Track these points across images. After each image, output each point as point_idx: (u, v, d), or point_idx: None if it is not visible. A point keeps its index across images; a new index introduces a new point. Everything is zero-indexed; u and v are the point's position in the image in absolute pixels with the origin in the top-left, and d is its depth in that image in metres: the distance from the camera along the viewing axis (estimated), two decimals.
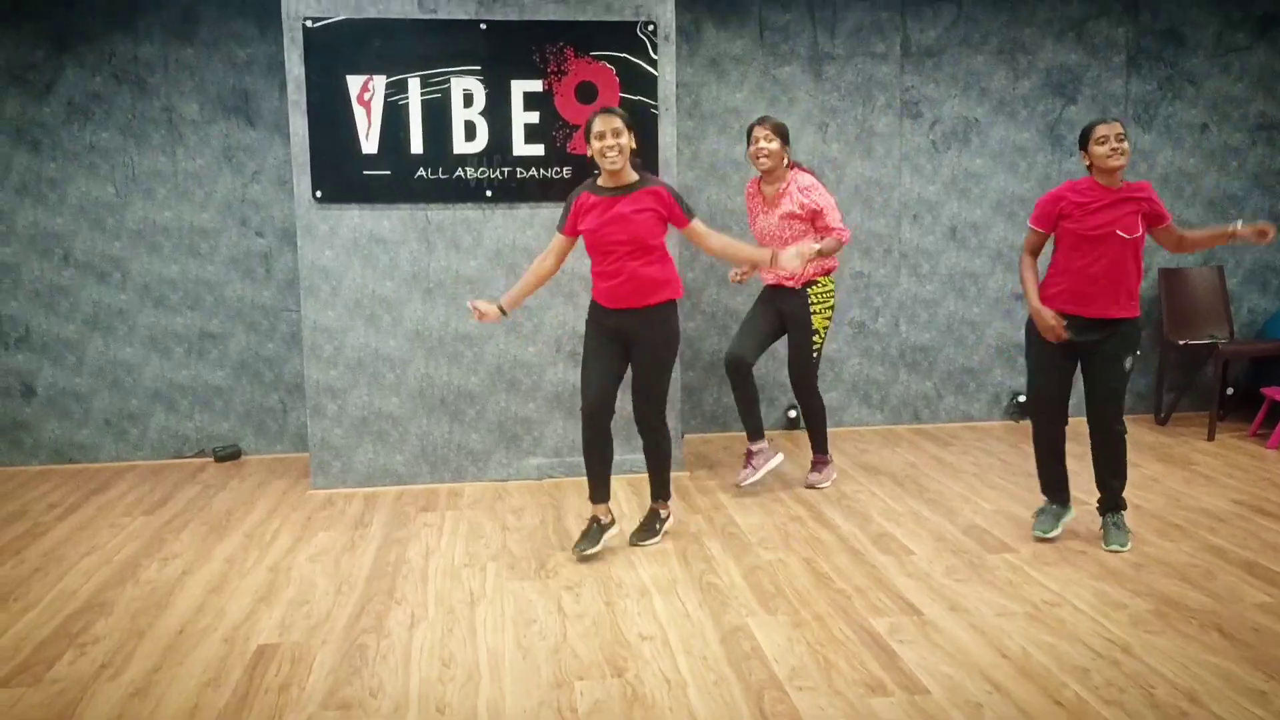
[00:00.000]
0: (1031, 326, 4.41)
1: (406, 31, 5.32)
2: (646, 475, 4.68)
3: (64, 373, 6.07)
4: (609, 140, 4.16)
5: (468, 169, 5.44)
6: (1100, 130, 4.27)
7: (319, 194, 5.37)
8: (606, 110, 4.23)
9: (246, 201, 6.11)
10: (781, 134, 5.09)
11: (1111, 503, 4.47)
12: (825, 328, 5.26)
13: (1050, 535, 4.50)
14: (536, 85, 5.42)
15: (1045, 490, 4.59)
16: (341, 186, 5.38)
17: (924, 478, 5.54)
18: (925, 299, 6.68)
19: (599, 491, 4.46)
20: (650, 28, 5.44)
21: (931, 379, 6.75)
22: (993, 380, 6.80)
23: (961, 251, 6.67)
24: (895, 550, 4.44)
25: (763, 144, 5.05)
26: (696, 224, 4.36)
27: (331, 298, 5.42)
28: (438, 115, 5.38)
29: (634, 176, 4.30)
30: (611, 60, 5.44)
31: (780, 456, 5.40)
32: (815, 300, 5.19)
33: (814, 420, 5.38)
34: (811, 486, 5.38)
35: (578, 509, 5.11)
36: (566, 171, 5.47)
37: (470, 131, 5.42)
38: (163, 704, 3.18)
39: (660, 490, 4.64)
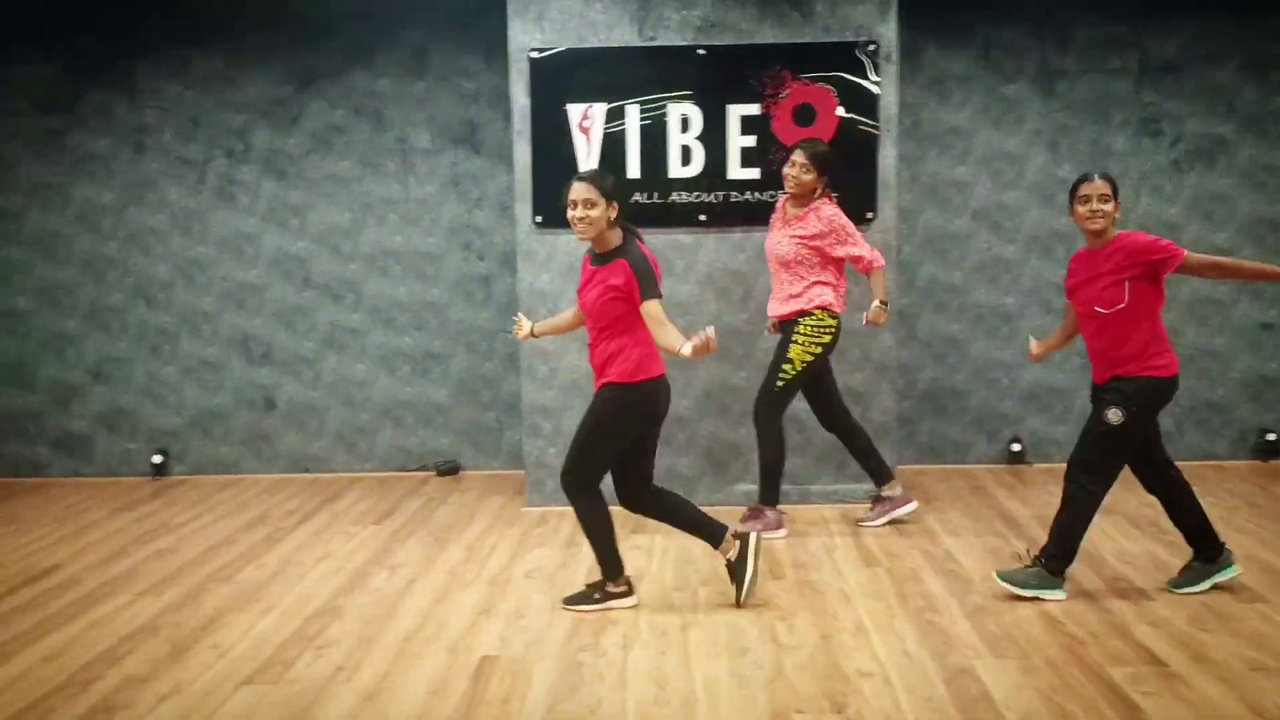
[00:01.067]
0: None
1: (626, 60, 5.42)
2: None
3: (302, 387, 6.46)
4: (579, 211, 3.93)
5: (682, 193, 5.47)
6: (1083, 189, 4.01)
7: (539, 219, 5.51)
8: (582, 178, 3.98)
9: (470, 227, 6.35)
10: (819, 164, 4.94)
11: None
12: (804, 363, 4.96)
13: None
14: (753, 109, 5.40)
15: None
16: (560, 212, 5.41)
17: (1164, 519, 5.14)
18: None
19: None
20: (871, 48, 5.34)
21: (1171, 414, 6.30)
22: (1238, 416, 6.30)
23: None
24: (1132, 595, 4.14)
25: (798, 173, 4.91)
26: (649, 307, 3.87)
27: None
28: (654, 141, 5.45)
29: (614, 243, 4.00)
30: (830, 81, 5.37)
31: (913, 505, 5.19)
32: (802, 333, 4.94)
33: (763, 459, 5.06)
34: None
35: (790, 537, 5.02)
36: (782, 196, 5.41)
37: (686, 156, 5.45)
38: (392, 709, 3.30)
39: (600, 566, 4.18)
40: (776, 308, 5.09)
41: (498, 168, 6.29)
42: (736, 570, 4.12)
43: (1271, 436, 6.21)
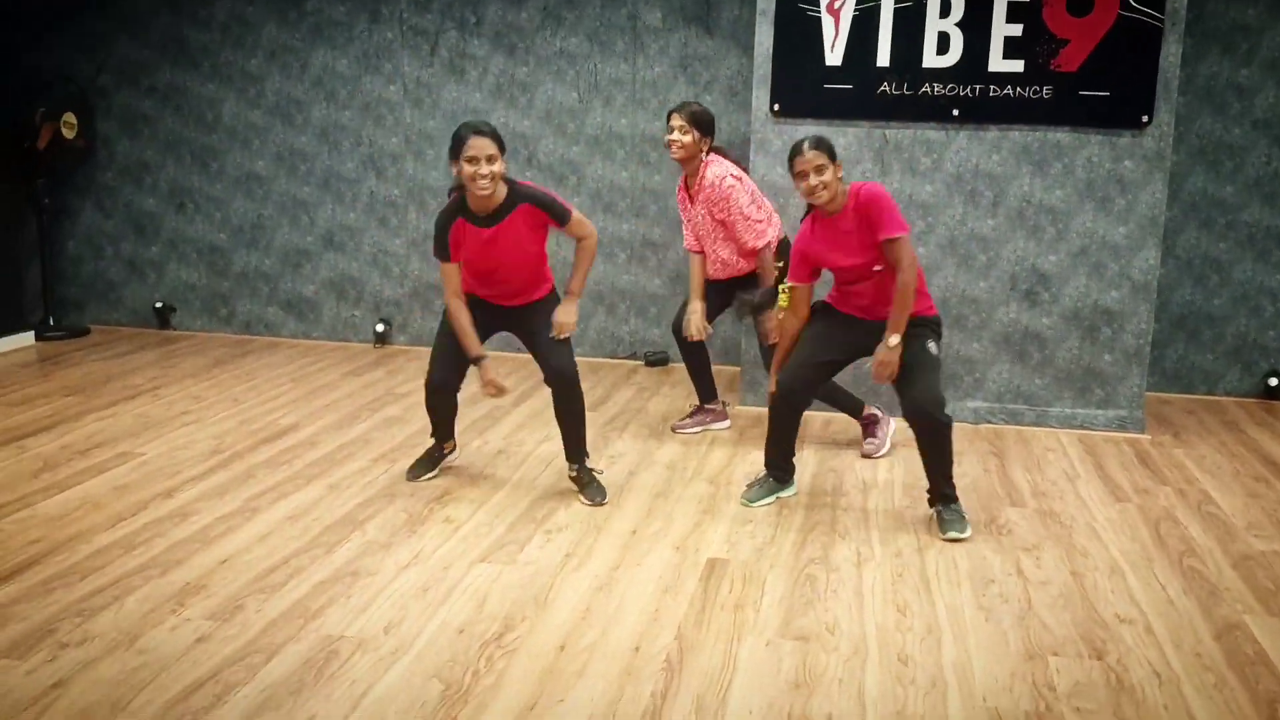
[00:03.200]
0: None
1: None
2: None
3: None
4: (483, 168, 3.72)
5: (935, 85, 5.09)
6: (795, 164, 3.88)
7: (776, 107, 5.24)
8: (479, 130, 3.73)
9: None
10: (699, 124, 4.52)
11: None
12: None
13: None
14: None
15: None
16: (800, 100, 5.22)
17: None
18: None
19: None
20: None
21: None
22: None
23: None
24: None
25: (676, 135, 4.49)
26: (574, 222, 4.02)
27: (780, 214, 5.31)
28: (911, 25, 5.05)
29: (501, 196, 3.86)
30: None
31: (727, 423, 5.11)
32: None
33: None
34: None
35: (1023, 459, 4.74)
36: (1047, 91, 4.97)
37: (943, 44, 5.05)
38: (625, 602, 3.27)
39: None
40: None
41: (730, 50, 6.01)
42: None
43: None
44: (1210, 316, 5.80)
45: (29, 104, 6.38)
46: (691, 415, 5.13)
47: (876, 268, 3.91)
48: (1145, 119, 4.95)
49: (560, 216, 3.98)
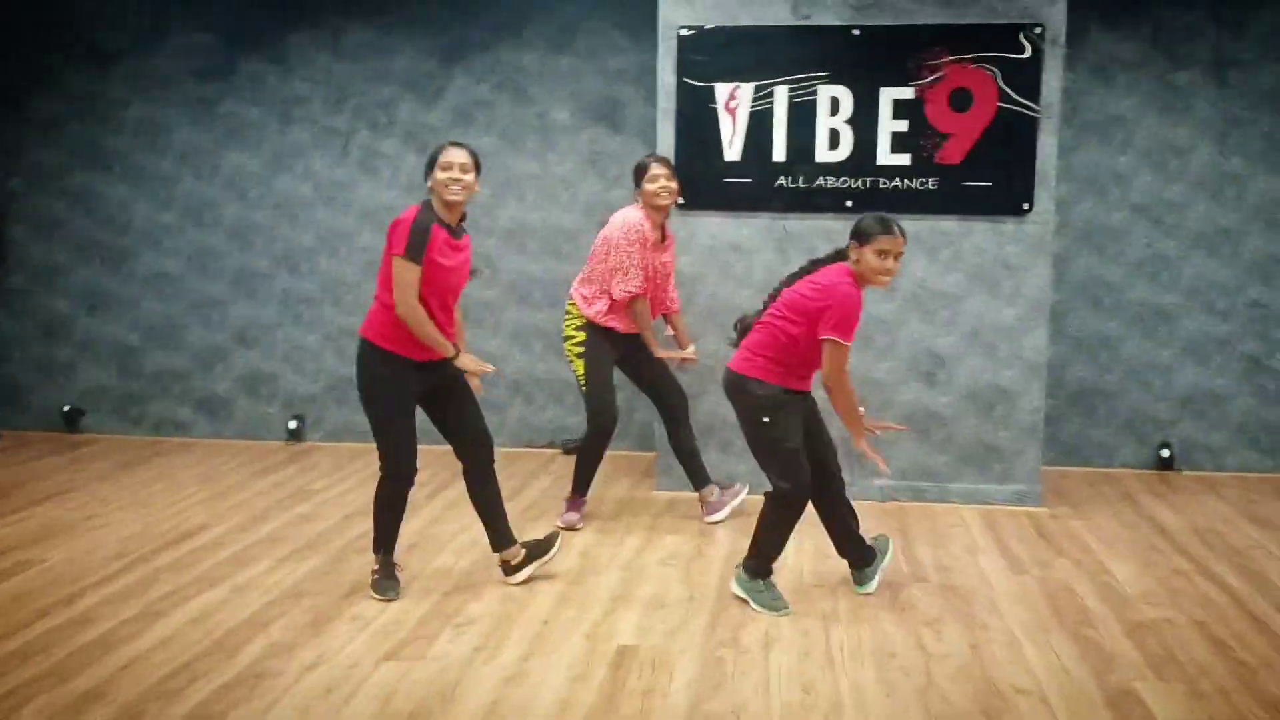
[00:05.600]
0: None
1: (778, 39, 5.27)
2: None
3: None
4: (456, 174, 3.87)
5: (829, 178, 5.32)
6: (884, 242, 3.77)
7: (681, 200, 5.41)
8: (456, 144, 3.96)
9: (607, 205, 6.27)
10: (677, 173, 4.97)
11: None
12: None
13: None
14: (907, 92, 5.21)
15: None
16: (703, 193, 5.41)
17: None
18: None
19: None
20: (1037, 30, 5.09)
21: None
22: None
23: None
24: None
25: (664, 182, 4.79)
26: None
27: (686, 304, 5.46)
28: (803, 123, 5.30)
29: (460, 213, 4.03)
30: (991, 64, 5.14)
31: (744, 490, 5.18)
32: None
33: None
34: (568, 527, 4.94)
35: (926, 535, 4.87)
36: (933, 183, 5.23)
37: (834, 140, 5.29)
38: (535, 694, 3.28)
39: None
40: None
41: (637, 146, 6.21)
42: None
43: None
44: (1103, 392, 6.05)
45: None
46: (710, 503, 5.12)
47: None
48: (1026, 206, 5.21)
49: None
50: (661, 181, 4.84)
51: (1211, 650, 3.63)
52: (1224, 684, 3.37)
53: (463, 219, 4.06)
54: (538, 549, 4.26)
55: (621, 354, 5.05)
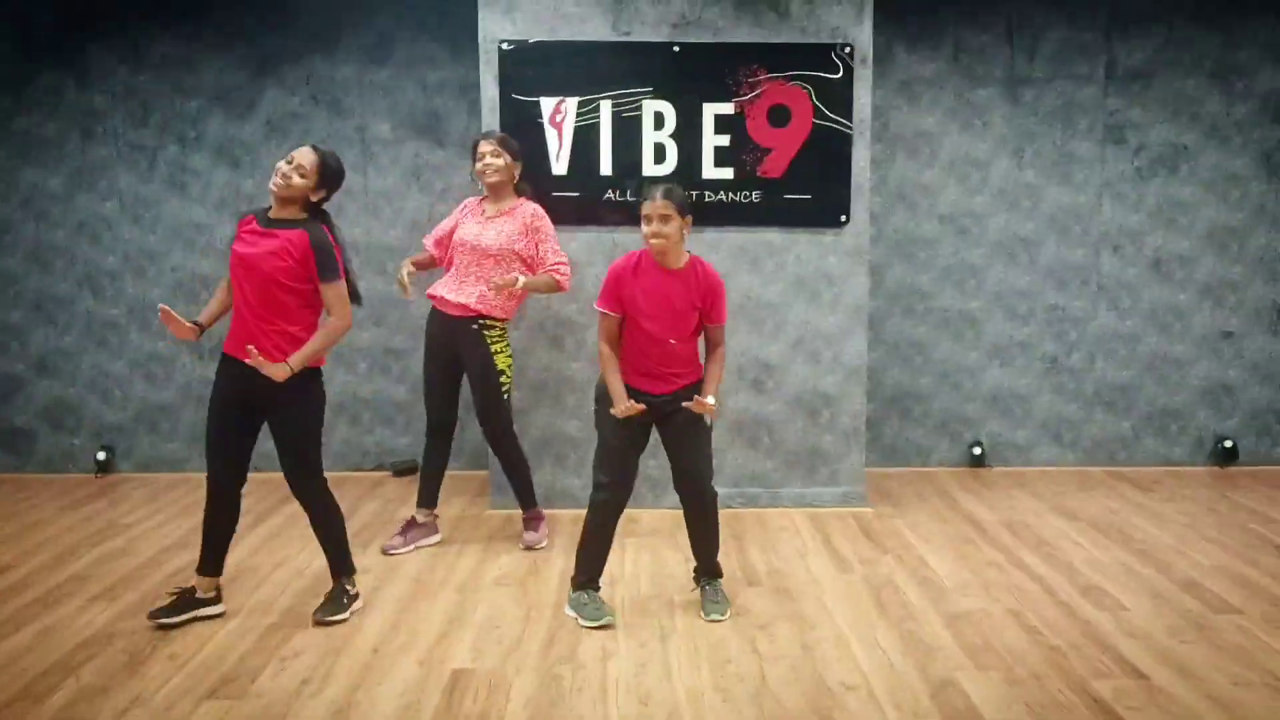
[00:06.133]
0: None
1: (600, 54, 5.31)
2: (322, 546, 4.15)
3: None
4: (282, 167, 3.84)
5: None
6: (644, 208, 3.86)
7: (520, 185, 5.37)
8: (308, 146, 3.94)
9: (432, 220, 6.17)
10: (509, 149, 4.84)
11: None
12: (510, 369, 4.89)
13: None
14: (728, 108, 5.33)
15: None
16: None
17: (1128, 525, 5.20)
18: (1124, 334, 6.30)
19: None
20: (847, 50, 5.29)
21: (1129, 419, 6.36)
22: (1197, 423, 6.37)
23: (1166, 285, 6.28)
24: (1109, 606, 4.14)
25: (489, 159, 4.80)
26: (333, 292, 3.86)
27: (517, 319, 5.42)
28: (628, 137, 5.35)
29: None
30: (806, 82, 5.31)
31: (438, 537, 5.00)
32: (493, 340, 4.80)
33: (516, 472, 4.97)
34: (529, 547, 4.88)
35: (759, 540, 4.97)
36: (756, 195, 5.36)
37: (660, 154, 5.36)
38: None
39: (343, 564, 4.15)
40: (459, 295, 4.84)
41: (462, 159, 6.14)
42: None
43: (1229, 443, 6.29)
44: (918, 394, 6.32)
45: None
46: (404, 531, 4.94)
47: (672, 340, 3.94)
48: (844, 218, 5.40)
49: (325, 272, 3.82)
50: (486, 159, 4.77)
51: (1024, 637, 3.83)
52: (1037, 669, 3.56)
53: (309, 219, 3.87)
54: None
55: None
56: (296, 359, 3.77)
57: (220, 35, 6.08)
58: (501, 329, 4.84)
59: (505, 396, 4.87)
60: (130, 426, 6.29)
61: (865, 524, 5.24)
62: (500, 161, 4.79)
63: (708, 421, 4.02)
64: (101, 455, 6.22)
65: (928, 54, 6.14)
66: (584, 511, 4.10)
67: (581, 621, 3.95)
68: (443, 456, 5.00)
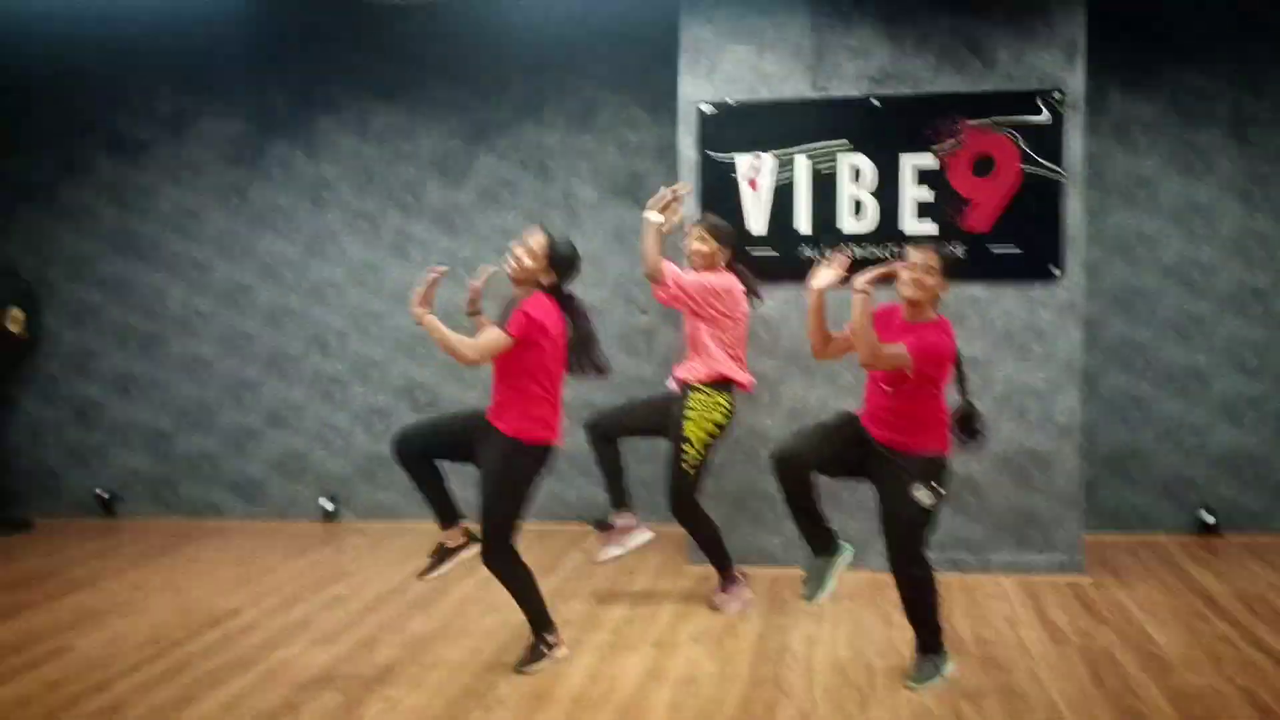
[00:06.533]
0: None
1: (798, 112, 5.33)
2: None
3: None
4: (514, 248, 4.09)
5: (854, 247, 5.32)
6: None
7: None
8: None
9: (633, 280, 6.32)
10: (719, 236, 4.82)
11: None
12: (704, 443, 4.72)
13: None
14: (928, 159, 5.24)
15: None
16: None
17: None
18: None
19: None
20: (1057, 95, 5.12)
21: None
22: None
23: None
24: None
25: (695, 245, 4.82)
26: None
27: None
28: (825, 193, 5.33)
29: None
30: (1012, 129, 5.16)
31: (649, 535, 4.98)
32: (693, 407, 4.71)
33: (705, 546, 4.92)
34: (714, 608, 4.82)
35: (965, 607, 4.77)
36: (959, 249, 5.23)
37: (858, 209, 5.32)
38: None
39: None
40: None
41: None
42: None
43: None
44: (1139, 454, 5.96)
45: None
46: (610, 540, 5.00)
47: (887, 386, 3.90)
48: (1056, 270, 5.19)
49: (502, 320, 4.12)
50: (694, 245, 4.87)
51: (1258, 718, 3.52)
52: None
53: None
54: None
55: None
56: (431, 320, 4.05)
57: (435, 106, 6.46)
58: (708, 394, 4.80)
59: (684, 465, 4.80)
60: (350, 476, 6.67)
61: (1082, 594, 4.96)
62: (705, 249, 4.86)
63: (916, 496, 3.88)
64: (330, 505, 6.61)
65: (1145, 96, 5.87)
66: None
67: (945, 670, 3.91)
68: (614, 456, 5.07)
